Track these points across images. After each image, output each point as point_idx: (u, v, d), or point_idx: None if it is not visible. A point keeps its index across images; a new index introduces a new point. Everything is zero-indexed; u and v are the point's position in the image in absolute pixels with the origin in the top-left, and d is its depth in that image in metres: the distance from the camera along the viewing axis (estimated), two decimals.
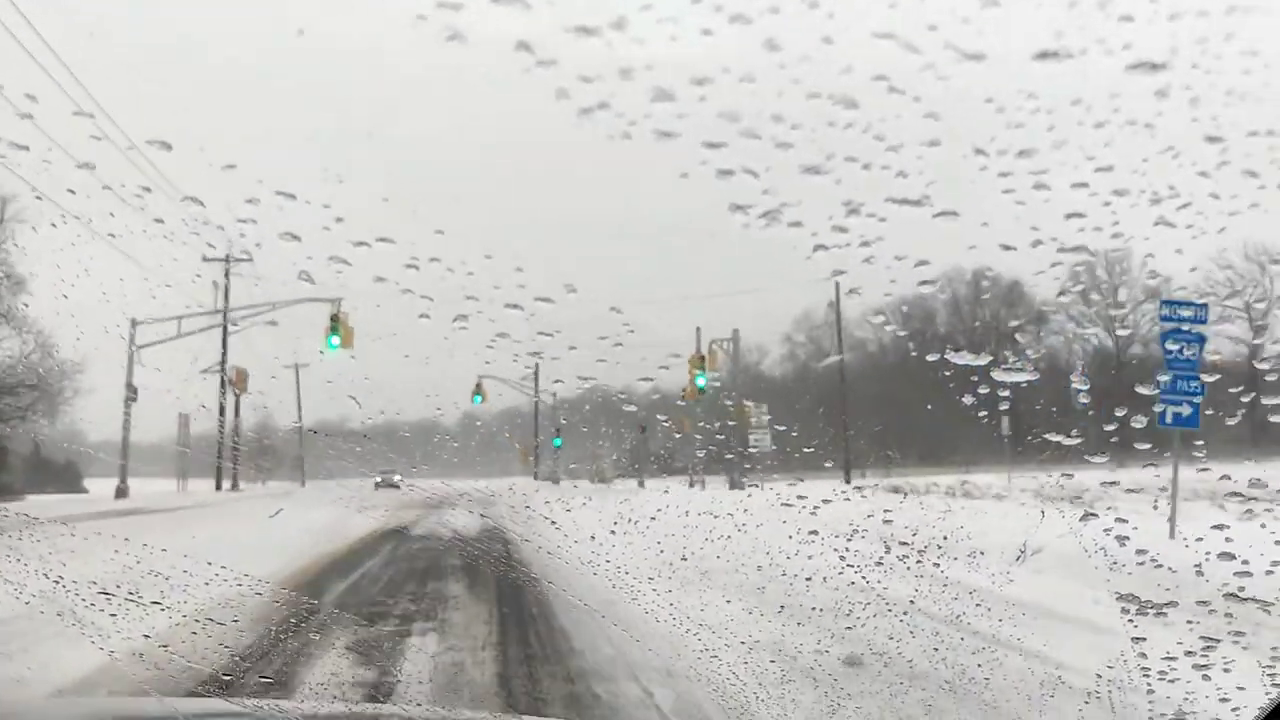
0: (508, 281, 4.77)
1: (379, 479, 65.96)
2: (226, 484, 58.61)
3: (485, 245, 4.87)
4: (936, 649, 6.86)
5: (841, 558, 6.94)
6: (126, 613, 7.78)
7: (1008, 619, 7.16)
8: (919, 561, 6.88)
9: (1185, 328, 11.88)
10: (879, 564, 6.93)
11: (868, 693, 6.51)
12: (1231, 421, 5.14)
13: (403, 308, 4.83)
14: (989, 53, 3.43)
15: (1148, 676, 4.88)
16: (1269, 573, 4.87)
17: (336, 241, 4.41)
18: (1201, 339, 11.60)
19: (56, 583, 7.69)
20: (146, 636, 7.53)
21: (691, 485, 43.90)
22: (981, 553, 7.47)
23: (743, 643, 7.26)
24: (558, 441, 66.90)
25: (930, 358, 4.86)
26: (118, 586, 7.37)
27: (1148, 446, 5.20)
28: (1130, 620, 5.50)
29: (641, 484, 50.44)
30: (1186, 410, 11.18)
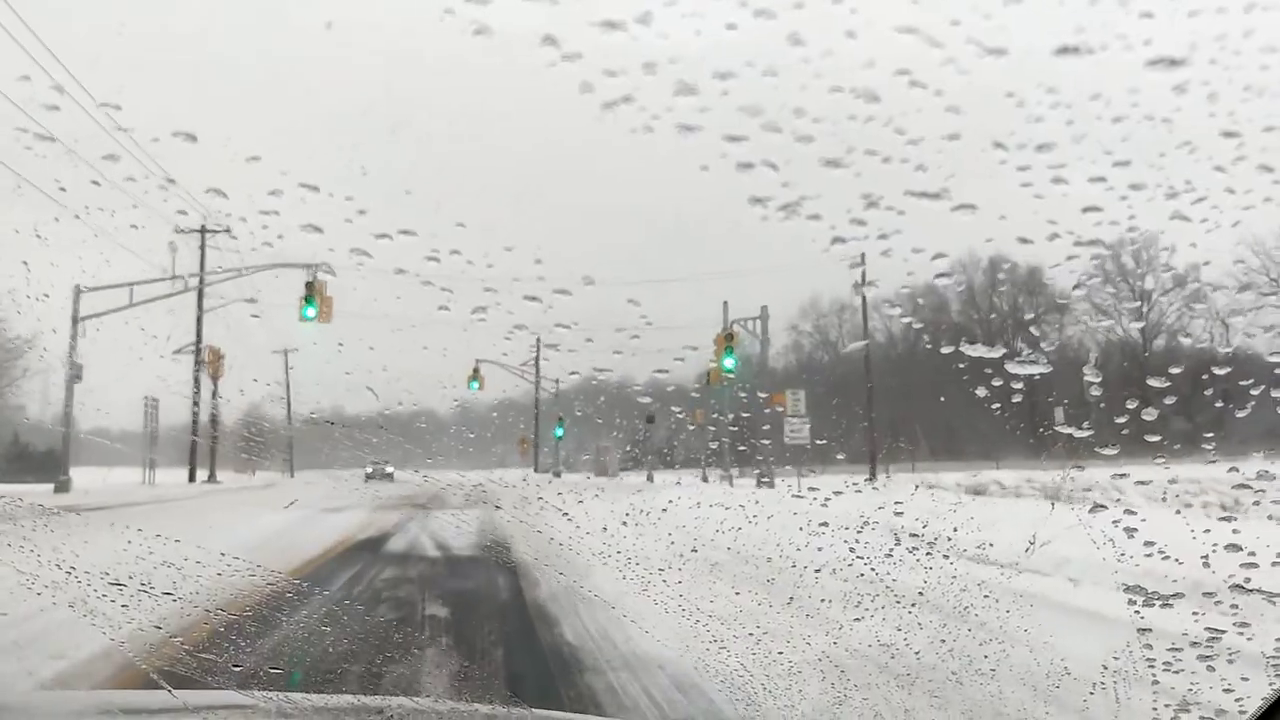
0: (527, 274, 4.82)
1: (369, 470, 63.43)
2: (204, 475, 55.75)
3: (506, 238, 4.92)
4: (944, 640, 6.91)
5: (851, 549, 6.99)
6: (138, 603, 7.81)
7: (1015, 610, 7.21)
8: (928, 554, 6.93)
9: None
10: (889, 556, 6.98)
11: (875, 684, 6.55)
12: (1241, 414, 5.18)
13: (423, 299, 4.87)
14: (1010, 48, 3.48)
15: (1153, 667, 4.92)
16: (1275, 564, 4.91)
17: (358, 234, 4.45)
18: None
19: (69, 573, 7.72)
20: (158, 628, 7.56)
21: (705, 480, 41.92)
22: (991, 545, 7.51)
23: (751, 634, 7.30)
24: (559, 432, 64.53)
25: (944, 349, 4.90)
26: (130, 577, 7.38)
27: (1158, 439, 5.24)
28: (1136, 611, 5.53)
29: (650, 477, 47.99)
30: None
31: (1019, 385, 4.77)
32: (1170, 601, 5.60)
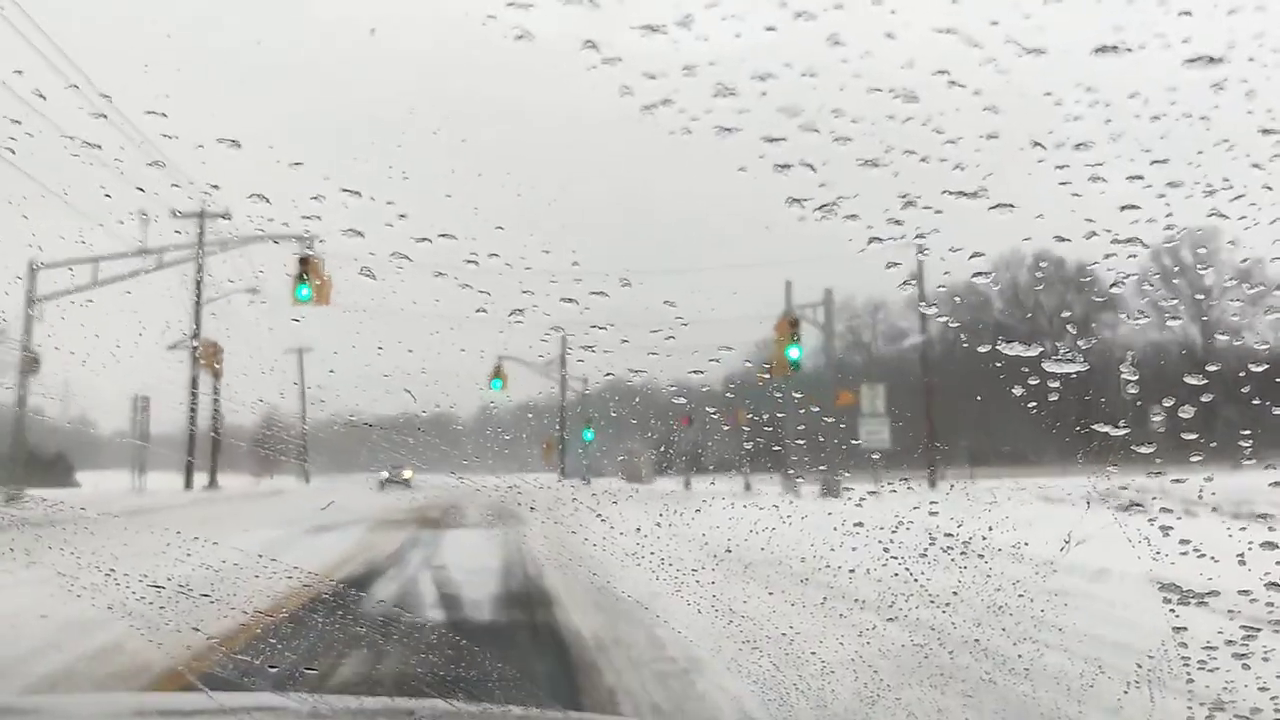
0: (564, 275, 4.87)
1: (385, 474, 61.06)
2: (203, 480, 52.18)
3: (544, 240, 4.97)
4: (978, 640, 6.91)
5: (885, 549, 6.99)
6: (176, 605, 7.90)
7: (1050, 609, 7.20)
8: (963, 553, 6.93)
9: None
10: (923, 555, 6.98)
11: (908, 684, 6.57)
12: (1278, 411, 5.17)
13: (461, 301, 4.92)
14: (1049, 47, 3.51)
15: (1187, 666, 4.91)
16: None
17: (399, 237, 4.51)
18: None
19: (108, 575, 7.82)
20: (195, 629, 7.65)
21: (749, 487, 37.77)
22: (1025, 543, 7.51)
23: (784, 634, 7.32)
24: (588, 434, 61.54)
25: (981, 349, 4.92)
26: (168, 580, 7.48)
27: (1194, 436, 5.24)
28: (1171, 610, 5.53)
29: (687, 484, 43.97)
30: None
31: (1055, 384, 4.78)
32: (1205, 600, 5.59)
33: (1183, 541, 5.53)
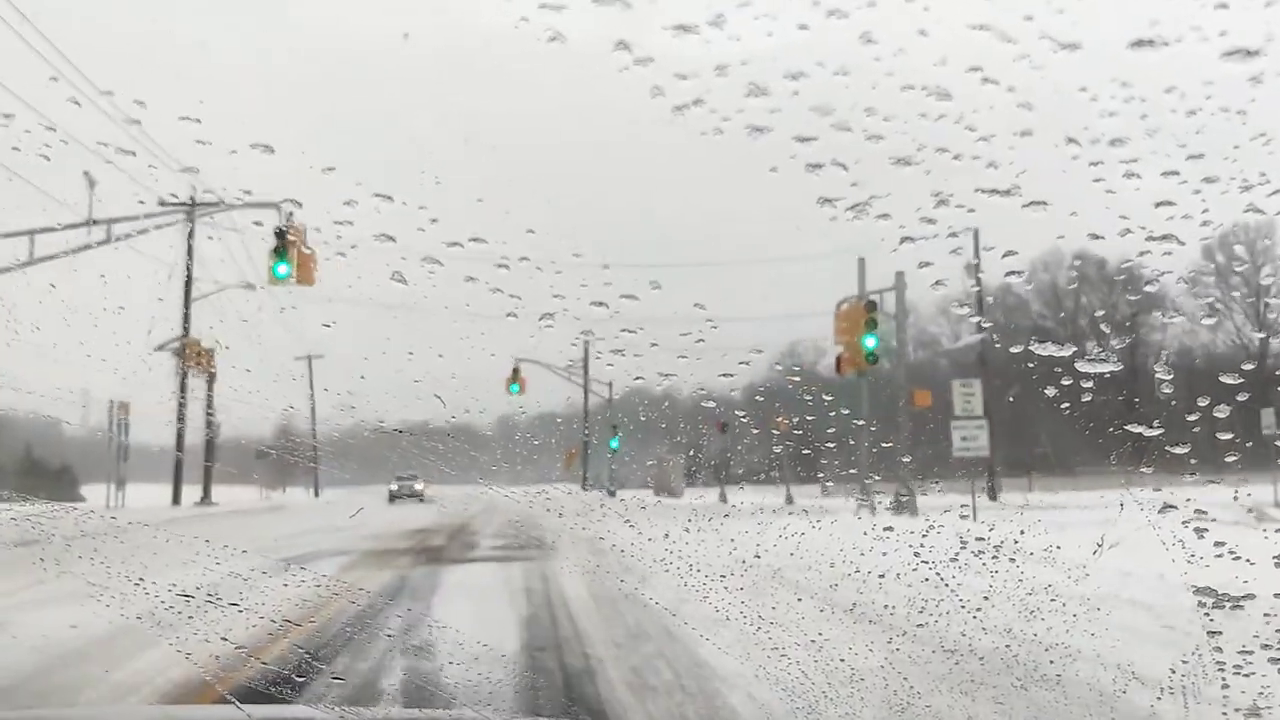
0: (595, 279, 4.86)
1: (393, 487, 57.37)
2: (196, 494, 48.11)
3: (574, 243, 4.97)
4: (1009, 645, 6.87)
5: (916, 554, 6.96)
6: (204, 615, 7.92)
7: (1082, 614, 7.16)
8: (994, 557, 6.89)
9: None
10: (954, 560, 6.94)
11: (938, 690, 6.52)
12: None
13: (493, 306, 4.92)
14: (1084, 42, 3.49)
15: (1222, 671, 4.86)
16: None
17: (431, 242, 4.52)
18: None
19: (137, 584, 7.83)
20: (224, 639, 7.65)
21: (790, 500, 33.84)
22: (1058, 547, 7.47)
23: (813, 641, 7.28)
24: (615, 443, 57.47)
25: (1014, 349, 4.89)
26: (197, 588, 7.51)
27: (1229, 437, 5.20)
28: (1206, 614, 5.47)
29: (723, 496, 40.08)
30: None
31: (1088, 384, 4.75)
32: (1241, 603, 5.53)
33: (1217, 544, 5.48)
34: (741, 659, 7.47)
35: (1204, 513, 5.46)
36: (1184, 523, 5.54)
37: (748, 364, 5.57)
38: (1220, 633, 5.16)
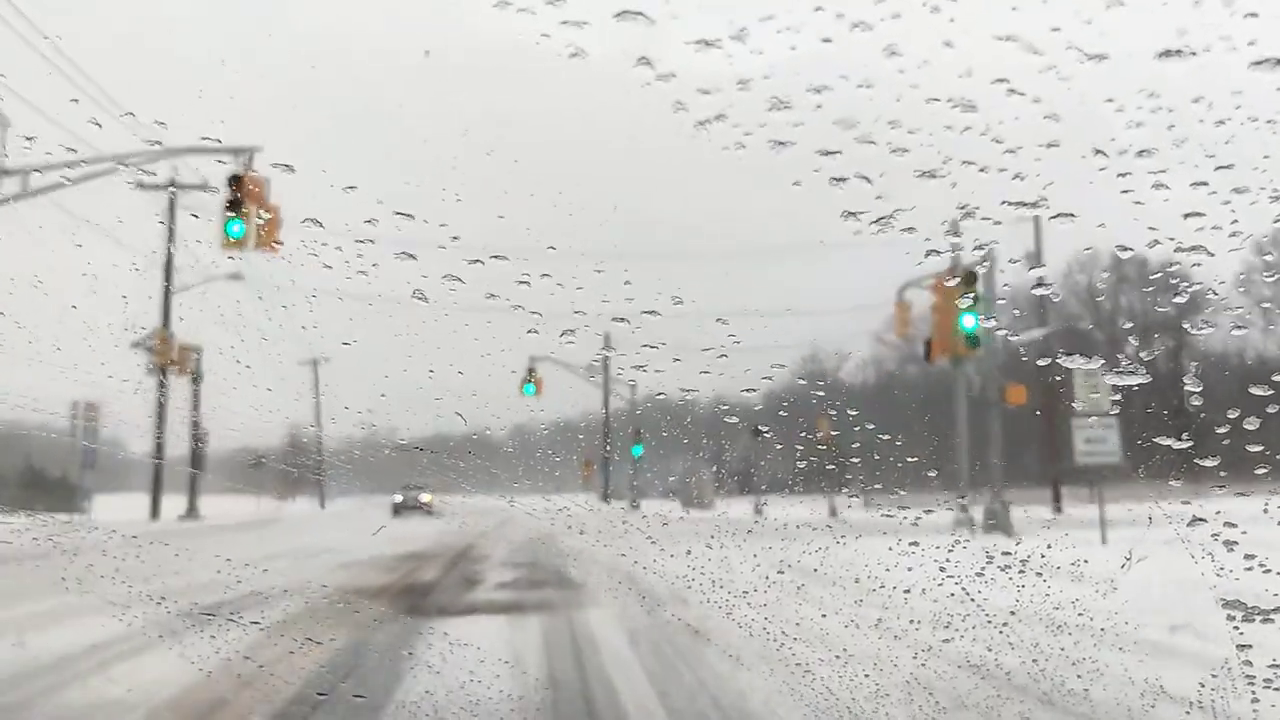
0: (616, 295, 4.84)
1: (398, 498, 53.31)
2: (181, 505, 44.05)
3: (595, 259, 4.95)
4: (1035, 660, 6.80)
5: (942, 569, 6.90)
6: (226, 633, 7.93)
7: (1110, 628, 7.08)
8: (1021, 571, 6.82)
9: None
10: (980, 575, 6.89)
11: (963, 707, 6.45)
12: None
13: (514, 323, 4.90)
14: (1111, 53, 3.45)
15: (1252, 684, 4.80)
16: None
17: (452, 259, 4.50)
18: None
19: (159, 603, 7.86)
20: (247, 658, 7.65)
21: (834, 513, 29.71)
22: (1085, 561, 7.39)
23: (837, 657, 7.23)
24: (638, 450, 53.75)
25: (1041, 362, 4.84)
26: (219, 606, 7.50)
27: (1260, 448, 5.13)
28: (1236, 627, 5.41)
29: (759, 509, 35.72)
30: None
31: (1116, 397, 4.70)
32: (1271, 616, 5.46)
33: (1248, 557, 5.41)
34: (766, 675, 7.42)
35: (1234, 525, 5.40)
36: (1214, 535, 5.48)
37: (770, 379, 5.52)
38: (1250, 646, 5.10)
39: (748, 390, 5.87)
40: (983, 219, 4.11)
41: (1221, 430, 4.97)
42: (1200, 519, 5.62)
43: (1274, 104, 3.65)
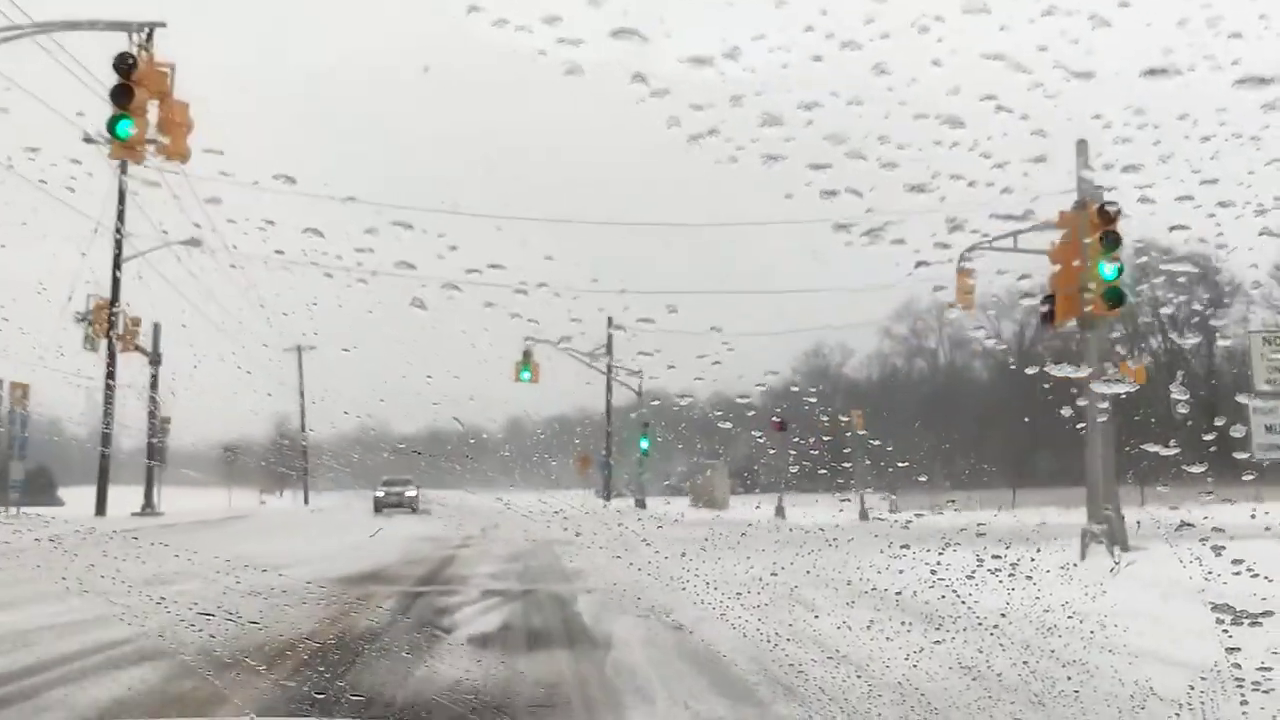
0: (611, 304, 4.89)
1: (380, 493, 47.05)
2: (176, 499, 41.06)
3: (592, 269, 5.00)
4: (1026, 662, 6.85)
5: (933, 571, 6.95)
6: (225, 632, 7.96)
7: (1100, 630, 7.14)
8: (1011, 574, 6.88)
9: None
10: (970, 577, 6.94)
11: (955, 706, 6.51)
12: None
13: (510, 332, 4.95)
14: (1098, 71, 3.51)
15: (1241, 686, 4.85)
16: None
17: (450, 269, 4.55)
18: None
19: (159, 603, 7.90)
20: (246, 657, 7.69)
21: (865, 517, 28.34)
22: (1075, 564, 7.44)
23: (830, 658, 7.28)
24: (645, 443, 48.98)
25: (1029, 370, 4.90)
26: (218, 607, 7.55)
27: (1246, 456, 5.21)
28: (1225, 630, 5.47)
29: (780, 510, 33.41)
30: None
31: (1104, 405, 4.76)
32: (1260, 620, 5.52)
33: (1235, 561, 5.47)
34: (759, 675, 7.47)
35: (1221, 530, 5.46)
36: (1202, 540, 5.55)
37: (764, 386, 5.57)
38: (1239, 649, 5.16)
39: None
40: (971, 231, 4.17)
41: (1208, 438, 5.05)
42: (1188, 524, 5.69)
43: (1258, 121, 3.72)
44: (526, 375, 35.26)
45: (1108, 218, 16.77)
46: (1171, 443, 5.15)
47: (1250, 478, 5.13)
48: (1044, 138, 3.79)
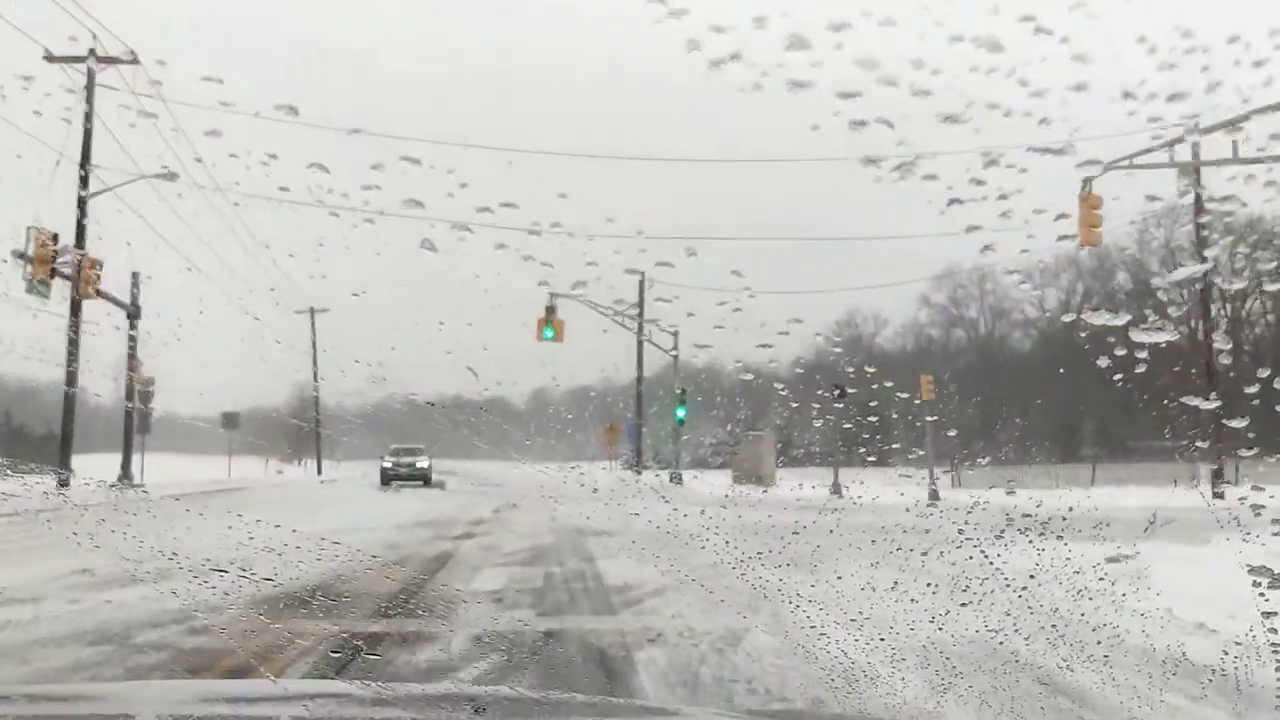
0: (628, 246, 4.72)
1: (388, 464, 43.03)
2: (178, 467, 38.44)
3: (608, 208, 4.83)
4: (1054, 625, 6.71)
5: (960, 531, 6.79)
6: (239, 589, 7.90)
7: (1132, 593, 6.97)
8: (1041, 534, 6.71)
9: None
10: (999, 537, 6.78)
11: (981, 670, 6.37)
12: None
13: (524, 274, 4.79)
14: None
15: (1277, 652, 4.69)
16: None
17: (460, 208, 4.38)
18: None
19: (171, 559, 7.82)
20: (259, 614, 7.63)
21: (935, 498, 24.92)
22: (1108, 524, 7.26)
23: (853, 620, 7.16)
24: (681, 412, 45.15)
25: (1066, 318, 4.70)
26: (230, 563, 7.48)
27: None
28: (1261, 594, 5.30)
29: (837, 489, 30.12)
30: None
31: (1142, 354, 4.55)
32: None
33: (1275, 522, 5.29)
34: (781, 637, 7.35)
35: (1261, 489, 5.28)
36: (1240, 499, 5.37)
37: (787, 334, 5.40)
38: (1276, 613, 4.99)
39: (763, 345, 5.71)
40: (1008, 166, 3.97)
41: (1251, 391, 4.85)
42: (1227, 483, 5.51)
43: None
44: (550, 334, 33.46)
45: None
46: (1212, 395, 4.95)
47: None
48: (1085, 64, 3.58)
